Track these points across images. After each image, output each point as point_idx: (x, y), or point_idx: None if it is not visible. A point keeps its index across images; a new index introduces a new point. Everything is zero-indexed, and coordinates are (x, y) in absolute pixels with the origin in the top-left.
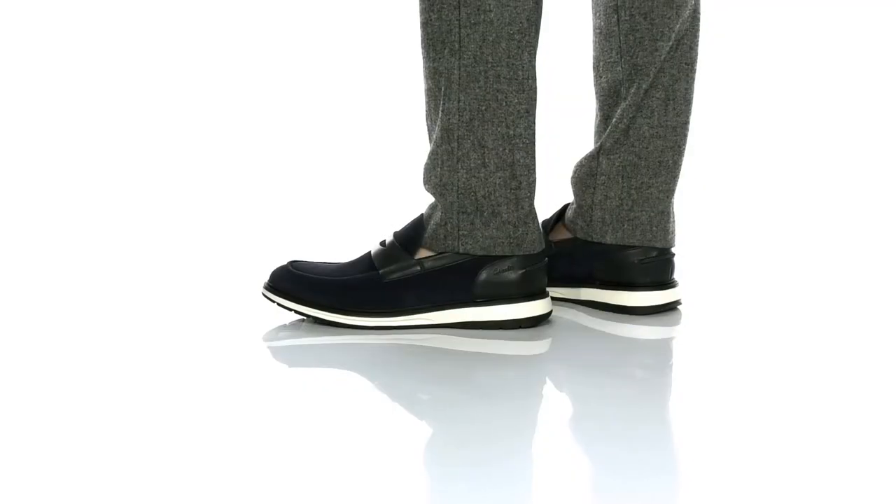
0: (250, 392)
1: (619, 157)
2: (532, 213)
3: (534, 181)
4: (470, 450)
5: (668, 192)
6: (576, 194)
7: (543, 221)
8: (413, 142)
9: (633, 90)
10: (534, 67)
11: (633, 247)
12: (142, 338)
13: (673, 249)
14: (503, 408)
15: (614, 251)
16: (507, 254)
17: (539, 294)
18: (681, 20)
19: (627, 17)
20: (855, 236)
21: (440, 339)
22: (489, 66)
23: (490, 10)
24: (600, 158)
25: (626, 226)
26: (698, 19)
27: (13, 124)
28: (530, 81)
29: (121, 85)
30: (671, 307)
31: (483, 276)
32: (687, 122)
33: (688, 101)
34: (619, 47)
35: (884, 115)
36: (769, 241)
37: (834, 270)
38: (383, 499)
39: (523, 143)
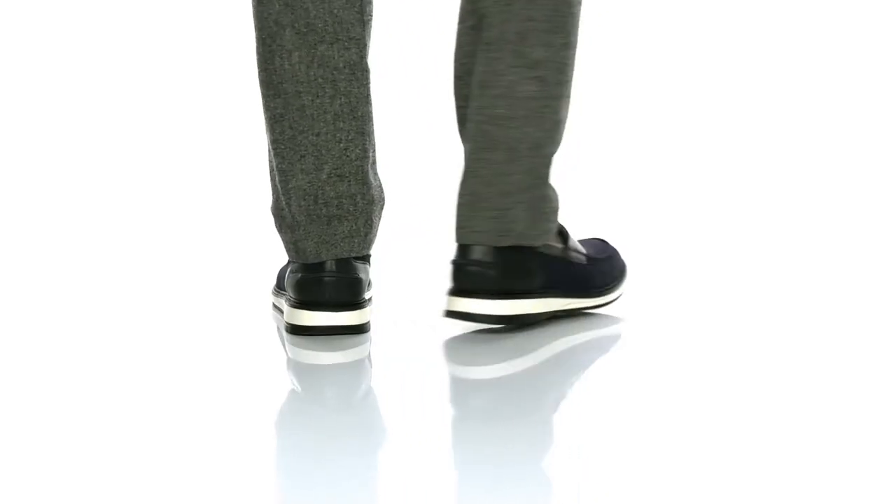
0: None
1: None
2: (303, 222)
3: (298, 188)
4: (466, 450)
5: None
6: None
7: None
8: (412, 143)
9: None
10: (304, 71)
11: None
12: (158, 329)
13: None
14: (497, 407)
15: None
16: (293, 260)
17: (312, 305)
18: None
19: None
20: (854, 234)
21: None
22: (258, 72)
23: (254, 18)
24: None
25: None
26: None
27: (13, 125)
28: (286, 86)
29: (124, 86)
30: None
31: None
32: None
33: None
34: None
35: (879, 113)
36: (763, 242)
37: (832, 269)
38: (389, 501)
39: (279, 148)
